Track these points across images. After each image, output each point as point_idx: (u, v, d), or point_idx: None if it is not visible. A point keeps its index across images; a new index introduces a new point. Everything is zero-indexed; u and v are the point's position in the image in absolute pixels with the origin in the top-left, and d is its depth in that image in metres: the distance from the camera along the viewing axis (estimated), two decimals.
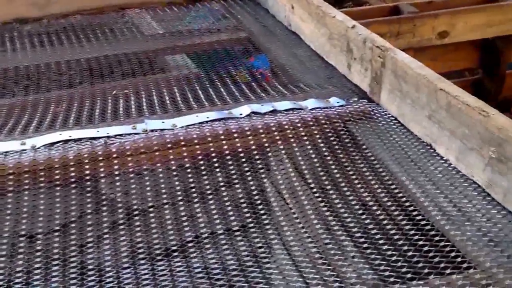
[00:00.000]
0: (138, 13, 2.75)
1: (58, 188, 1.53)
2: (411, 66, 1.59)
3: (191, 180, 1.53)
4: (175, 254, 1.36)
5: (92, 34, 2.53)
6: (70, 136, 1.66)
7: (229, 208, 1.45)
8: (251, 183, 1.51)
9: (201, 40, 2.40)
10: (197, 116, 1.72)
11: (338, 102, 1.76)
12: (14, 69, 2.26)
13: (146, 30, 2.57)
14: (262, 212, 1.44)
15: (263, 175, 1.55)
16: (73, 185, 1.57)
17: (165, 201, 1.49)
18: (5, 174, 1.54)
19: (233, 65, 2.22)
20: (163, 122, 1.71)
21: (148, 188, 1.52)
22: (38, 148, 1.62)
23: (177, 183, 1.53)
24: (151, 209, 1.47)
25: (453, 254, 1.24)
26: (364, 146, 1.60)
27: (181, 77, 2.13)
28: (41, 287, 1.27)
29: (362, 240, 1.31)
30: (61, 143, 1.64)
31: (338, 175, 1.50)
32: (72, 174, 1.55)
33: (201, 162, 1.57)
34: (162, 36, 2.48)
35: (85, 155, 1.58)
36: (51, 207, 1.47)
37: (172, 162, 1.58)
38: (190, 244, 1.39)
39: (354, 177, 1.50)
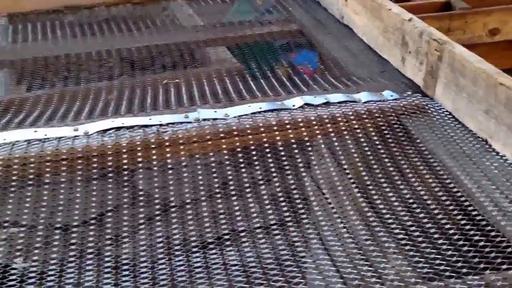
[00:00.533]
0: (187, 3, 2.77)
1: (110, 175, 1.55)
2: (470, 60, 1.56)
3: (243, 170, 1.53)
4: (228, 243, 1.36)
5: (142, 24, 2.56)
6: (122, 123, 1.67)
7: (281, 198, 1.45)
8: (304, 174, 1.51)
9: (253, 31, 2.40)
10: (249, 106, 1.72)
11: (391, 96, 1.74)
12: (65, 57, 2.29)
13: (197, 21, 2.58)
14: (314, 203, 1.44)
15: (315, 167, 1.54)
16: (125, 172, 1.59)
17: (217, 190, 1.50)
18: (59, 160, 1.56)
19: (283, 58, 2.22)
20: (215, 111, 1.71)
21: (200, 177, 1.52)
22: (91, 134, 1.63)
23: (229, 172, 1.53)
24: (203, 198, 1.48)
25: (509, 249, 1.21)
26: (418, 140, 1.58)
27: (232, 69, 2.13)
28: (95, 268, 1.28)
29: (417, 234, 1.29)
30: (113, 130, 1.65)
31: (391, 169, 1.49)
32: (125, 161, 1.56)
33: (254, 153, 1.57)
34: (213, 27, 2.49)
35: (138, 143, 1.59)
36: (104, 193, 1.49)
37: (225, 152, 1.58)
38: (242, 234, 1.39)
39: (408, 171, 1.48)
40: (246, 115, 1.69)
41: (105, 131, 1.65)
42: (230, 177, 1.51)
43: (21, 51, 2.36)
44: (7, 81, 2.19)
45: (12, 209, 1.44)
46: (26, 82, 2.18)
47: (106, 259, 1.32)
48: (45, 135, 1.64)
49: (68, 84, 2.13)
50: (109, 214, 1.45)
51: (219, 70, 2.11)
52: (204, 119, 1.68)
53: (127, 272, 1.29)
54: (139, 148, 1.58)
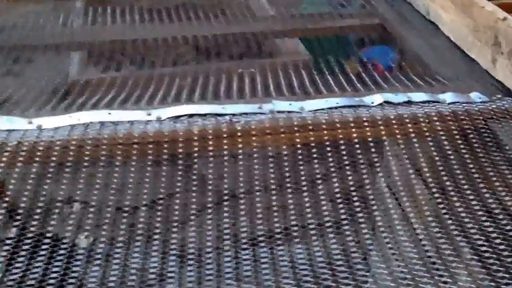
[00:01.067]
0: None
1: (180, 162, 1.52)
2: None
3: (316, 165, 1.47)
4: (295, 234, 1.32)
5: (219, 11, 2.53)
6: (195, 111, 1.63)
7: (355, 198, 1.39)
8: (380, 174, 1.44)
9: (333, 24, 2.33)
10: (326, 101, 1.66)
11: (479, 98, 1.64)
12: (142, 41, 2.29)
13: (273, 11, 2.53)
14: (390, 205, 1.38)
15: (393, 167, 1.47)
16: (195, 160, 1.57)
17: (288, 185, 1.45)
18: (131, 143, 1.53)
19: (362, 53, 2.15)
20: (290, 104, 1.65)
21: (271, 170, 1.48)
22: (164, 120, 1.60)
23: (301, 167, 1.47)
24: (273, 191, 1.43)
25: None
26: (507, 147, 1.48)
27: (307, 61, 2.07)
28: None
29: (502, 247, 1.21)
30: (186, 117, 1.61)
31: (476, 175, 1.40)
32: (196, 148, 1.52)
33: (328, 148, 1.51)
34: (292, 18, 2.44)
35: (210, 131, 1.55)
36: (173, 179, 1.47)
37: (298, 146, 1.53)
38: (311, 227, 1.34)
39: (494, 178, 1.39)
40: (322, 109, 1.63)
41: (177, 117, 1.61)
42: (302, 172, 1.46)
43: (96, 34, 2.37)
44: (83, 63, 2.21)
45: (82, 188, 1.43)
46: (101, 64, 2.20)
47: (172, 241, 1.31)
48: (119, 118, 1.62)
49: (142, 69, 2.13)
50: (176, 200, 1.43)
51: (295, 62, 2.06)
52: (279, 111, 1.62)
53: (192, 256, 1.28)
54: (210, 137, 1.54)
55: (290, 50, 2.22)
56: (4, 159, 1.46)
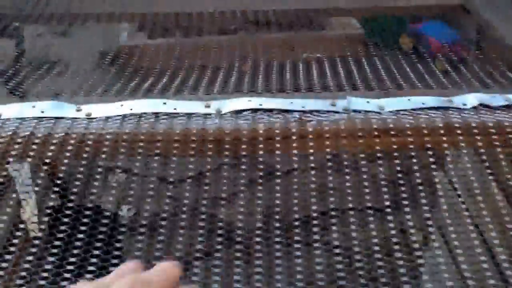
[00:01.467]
0: None
1: (244, 167, 1.35)
2: None
3: (401, 180, 1.29)
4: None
5: None
6: (260, 105, 1.45)
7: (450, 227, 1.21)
8: (479, 196, 1.25)
9: (407, 3, 2.11)
10: (409, 100, 1.45)
11: None
12: (197, 15, 2.12)
13: None
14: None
15: (487, 184, 1.27)
16: (260, 166, 1.41)
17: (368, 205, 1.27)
18: (188, 141, 1.37)
19: (444, 38, 1.93)
20: (367, 102, 1.45)
21: (348, 184, 1.30)
22: (224, 114, 1.43)
23: (383, 182, 1.29)
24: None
25: None
26: None
27: (387, 51, 1.86)
28: None
29: None
30: (249, 112, 1.43)
31: None
32: (261, 152, 1.35)
33: (414, 160, 1.31)
34: None
35: (277, 131, 1.37)
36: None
37: (379, 155, 1.33)
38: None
39: None
40: (405, 110, 1.42)
41: (239, 111, 1.43)
42: (385, 189, 1.28)
43: (150, 5, 2.21)
44: (134, 36, 2.07)
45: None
46: (155, 39, 2.05)
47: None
48: (174, 108, 1.44)
49: (198, 48, 1.96)
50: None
51: (357, 38, 1.87)
52: (354, 110, 1.43)
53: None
54: (278, 138, 1.36)
55: (351, 29, 2.03)
56: (49, 153, 1.32)
